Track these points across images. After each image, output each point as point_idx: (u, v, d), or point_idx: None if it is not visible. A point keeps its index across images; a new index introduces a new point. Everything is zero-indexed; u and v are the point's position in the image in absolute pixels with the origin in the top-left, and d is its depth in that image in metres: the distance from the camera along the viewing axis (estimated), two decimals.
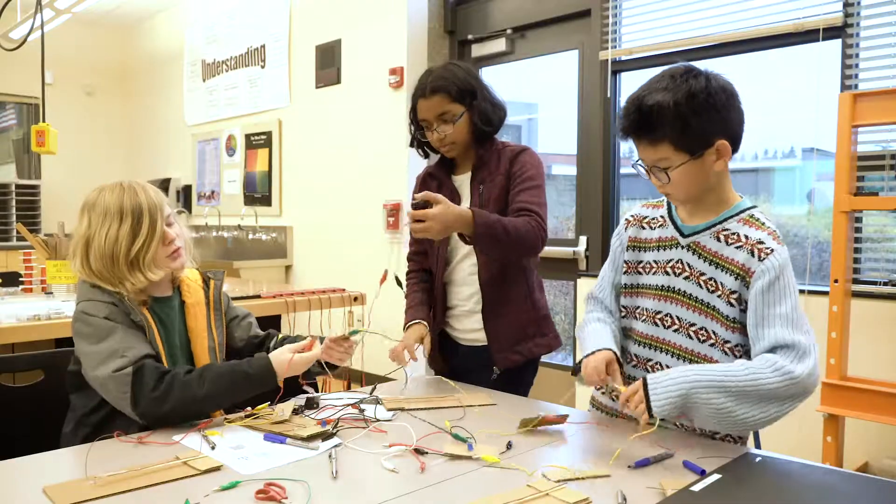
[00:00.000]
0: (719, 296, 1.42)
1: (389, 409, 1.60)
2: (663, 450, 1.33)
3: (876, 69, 2.89)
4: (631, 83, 3.76)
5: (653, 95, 1.37)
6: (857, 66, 2.93)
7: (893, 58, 2.84)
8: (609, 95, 3.74)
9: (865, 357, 2.79)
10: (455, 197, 2.01)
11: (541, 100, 4.50)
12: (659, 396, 1.33)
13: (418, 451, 1.32)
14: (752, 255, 1.38)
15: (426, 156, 2.09)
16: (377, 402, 1.64)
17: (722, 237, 1.43)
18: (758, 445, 1.60)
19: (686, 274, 1.46)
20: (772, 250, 1.37)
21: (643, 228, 1.58)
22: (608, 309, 1.62)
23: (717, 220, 1.45)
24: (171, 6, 6.82)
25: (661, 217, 1.55)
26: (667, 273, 1.49)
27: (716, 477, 1.18)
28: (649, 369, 1.52)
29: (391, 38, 4.57)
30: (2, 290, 3.13)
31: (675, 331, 1.48)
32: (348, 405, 1.58)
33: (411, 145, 2.06)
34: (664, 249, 1.51)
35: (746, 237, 1.40)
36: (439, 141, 1.95)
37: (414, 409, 1.61)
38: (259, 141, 5.84)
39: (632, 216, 1.62)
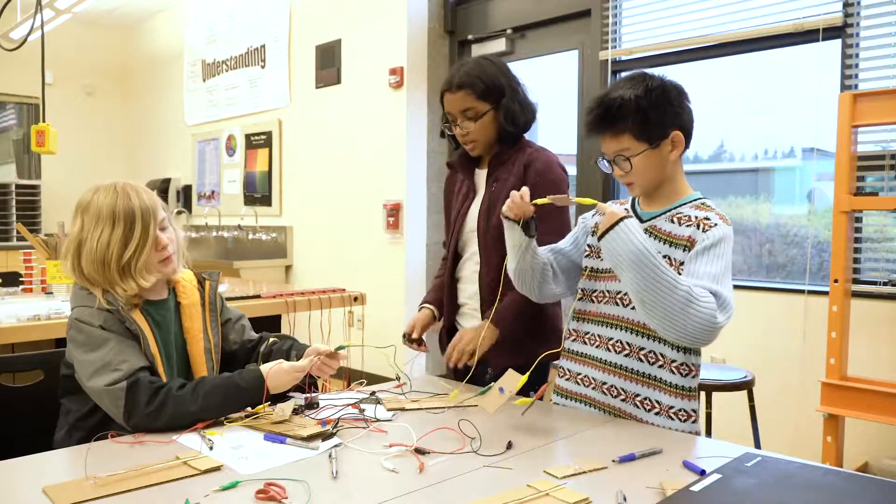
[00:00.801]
0: None
1: (389, 410, 1.61)
2: (650, 447, 1.34)
3: (876, 69, 2.89)
4: None
5: (615, 92, 1.52)
6: (857, 66, 2.93)
7: (893, 58, 2.84)
8: None
9: (865, 357, 2.80)
10: (472, 193, 2.01)
11: (541, 100, 4.48)
12: (617, 242, 1.41)
13: (418, 451, 1.32)
14: (698, 228, 1.50)
15: (457, 146, 2.06)
16: (377, 402, 1.65)
17: (675, 219, 1.55)
18: (757, 445, 1.61)
19: None
20: (716, 225, 1.49)
21: None
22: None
23: (672, 206, 1.57)
24: (171, 6, 6.82)
25: (625, 210, 1.64)
26: None
27: (716, 477, 1.18)
28: (610, 348, 1.59)
29: (391, 38, 4.57)
30: (2, 290, 3.13)
31: (632, 308, 1.55)
32: (348, 405, 1.59)
33: (441, 136, 2.05)
34: None
35: (696, 217, 1.52)
36: (462, 137, 1.94)
37: (415, 410, 1.61)
38: (259, 141, 5.84)
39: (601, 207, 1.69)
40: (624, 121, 1.50)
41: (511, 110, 1.90)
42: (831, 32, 2.98)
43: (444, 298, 2.08)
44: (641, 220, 1.59)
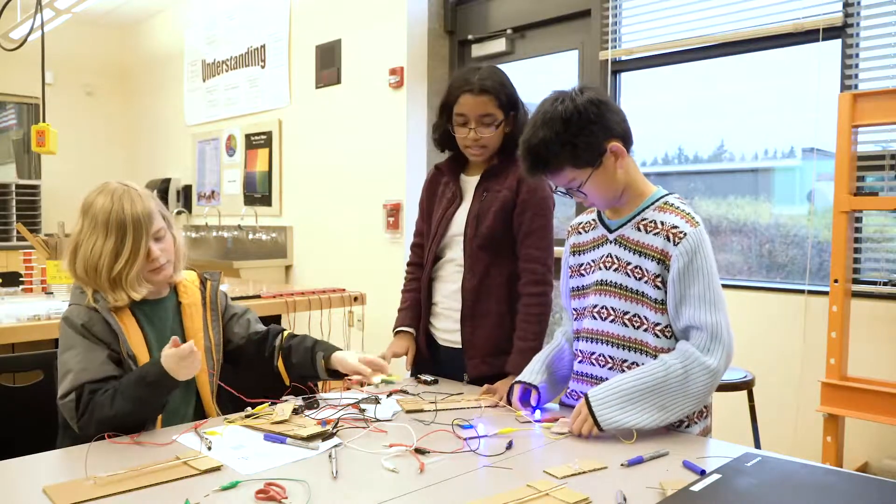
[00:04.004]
0: (645, 281, 1.52)
1: (408, 412, 1.61)
2: (657, 449, 1.34)
3: (876, 69, 2.89)
4: (631, 83, 3.76)
5: (536, 135, 1.50)
6: (857, 66, 2.93)
7: (893, 58, 2.84)
8: (609, 95, 3.74)
9: (865, 357, 2.79)
10: (457, 198, 1.98)
11: (541, 100, 4.49)
12: (604, 413, 1.44)
13: (418, 451, 1.32)
14: (668, 239, 1.49)
15: (442, 150, 2.03)
16: (377, 402, 1.65)
17: (641, 226, 1.55)
18: (757, 445, 1.61)
19: (615, 266, 1.57)
20: (685, 234, 1.48)
21: (580, 234, 1.70)
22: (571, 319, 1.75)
23: (636, 211, 1.57)
24: (171, 6, 6.82)
25: (593, 220, 1.68)
26: (600, 268, 1.60)
27: (716, 477, 1.18)
28: (593, 362, 1.62)
29: (391, 38, 4.57)
30: (2, 290, 3.13)
31: (611, 321, 1.58)
32: (348, 405, 1.59)
33: (434, 133, 2.00)
34: (597, 248, 1.63)
35: (662, 223, 1.51)
36: (474, 141, 1.89)
37: (433, 411, 1.61)
38: (259, 141, 5.84)
39: (571, 226, 1.75)
40: (556, 158, 1.49)
41: (522, 124, 1.83)
42: (831, 32, 2.98)
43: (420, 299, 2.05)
44: (610, 230, 1.60)
